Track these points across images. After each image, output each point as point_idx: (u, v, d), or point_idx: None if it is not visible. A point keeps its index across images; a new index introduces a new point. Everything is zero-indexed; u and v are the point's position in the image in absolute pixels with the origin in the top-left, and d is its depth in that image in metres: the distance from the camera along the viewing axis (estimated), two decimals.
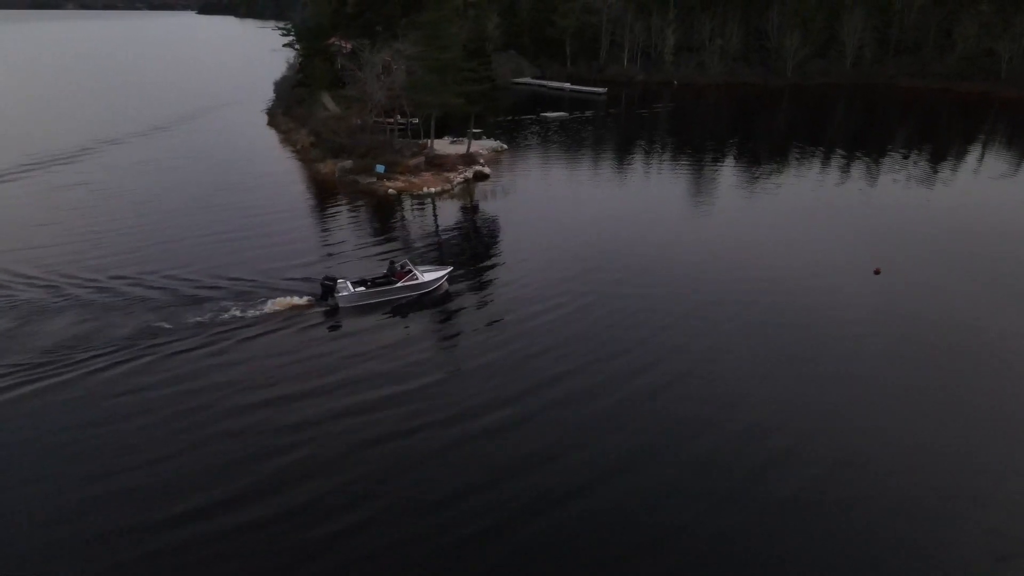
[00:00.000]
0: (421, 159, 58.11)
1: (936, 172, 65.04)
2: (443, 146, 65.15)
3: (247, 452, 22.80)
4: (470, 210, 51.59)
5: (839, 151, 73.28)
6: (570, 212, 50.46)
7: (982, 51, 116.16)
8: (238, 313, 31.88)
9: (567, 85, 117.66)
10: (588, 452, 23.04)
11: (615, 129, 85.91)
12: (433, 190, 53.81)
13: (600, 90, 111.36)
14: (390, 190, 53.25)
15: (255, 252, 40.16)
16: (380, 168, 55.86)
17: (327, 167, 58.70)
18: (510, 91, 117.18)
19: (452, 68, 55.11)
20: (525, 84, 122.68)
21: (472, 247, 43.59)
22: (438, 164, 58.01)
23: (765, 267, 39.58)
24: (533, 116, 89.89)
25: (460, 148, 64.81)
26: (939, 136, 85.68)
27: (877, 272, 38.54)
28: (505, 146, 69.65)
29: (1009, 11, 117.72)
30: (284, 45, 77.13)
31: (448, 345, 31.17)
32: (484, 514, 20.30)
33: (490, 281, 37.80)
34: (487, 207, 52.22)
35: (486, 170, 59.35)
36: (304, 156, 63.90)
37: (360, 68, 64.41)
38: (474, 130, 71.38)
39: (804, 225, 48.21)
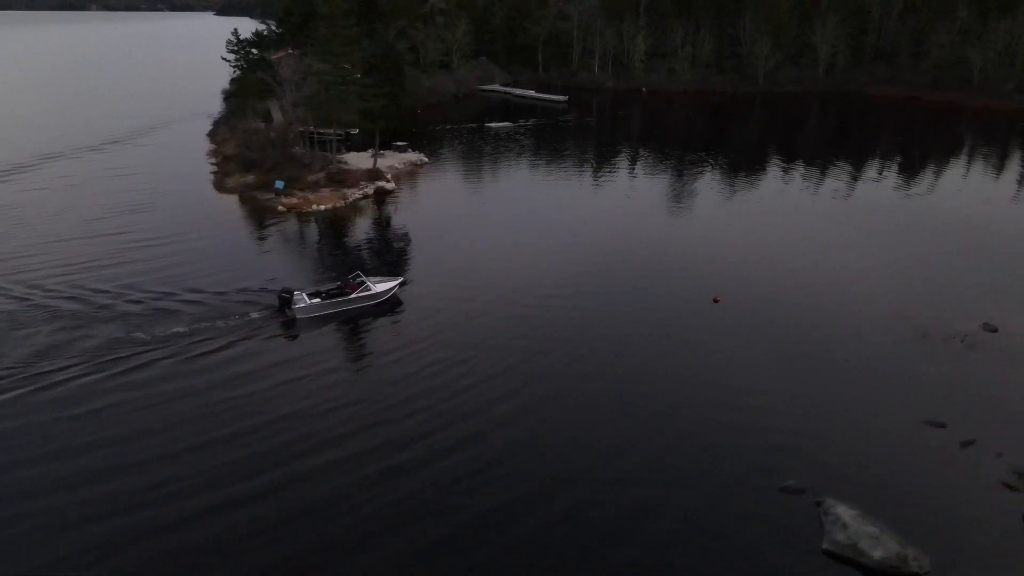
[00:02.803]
0: (322, 174, 58.39)
1: (897, 182, 65.48)
2: (363, 160, 65.30)
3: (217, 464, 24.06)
4: (355, 227, 51.74)
5: (796, 160, 73.56)
6: (466, 227, 50.91)
7: (956, 59, 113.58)
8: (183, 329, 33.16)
9: (531, 92, 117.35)
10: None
11: (560, 139, 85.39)
12: (323, 207, 54.03)
13: (561, 98, 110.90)
14: (280, 207, 53.55)
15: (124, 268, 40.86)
16: (279, 184, 56.17)
17: (232, 182, 59.22)
18: (476, 98, 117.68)
19: (347, 84, 55.31)
20: (492, 91, 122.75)
21: (348, 264, 43.15)
22: (339, 180, 58.22)
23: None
24: (476, 125, 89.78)
25: (384, 161, 65.13)
26: (892, 146, 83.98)
27: (716, 301, 37.98)
28: (426, 159, 69.70)
29: (992, 15, 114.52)
30: (222, 57, 77.63)
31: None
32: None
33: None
34: (375, 224, 52.54)
35: (389, 186, 59.46)
36: (221, 170, 64.38)
37: (276, 80, 65.05)
38: (399, 143, 71.87)
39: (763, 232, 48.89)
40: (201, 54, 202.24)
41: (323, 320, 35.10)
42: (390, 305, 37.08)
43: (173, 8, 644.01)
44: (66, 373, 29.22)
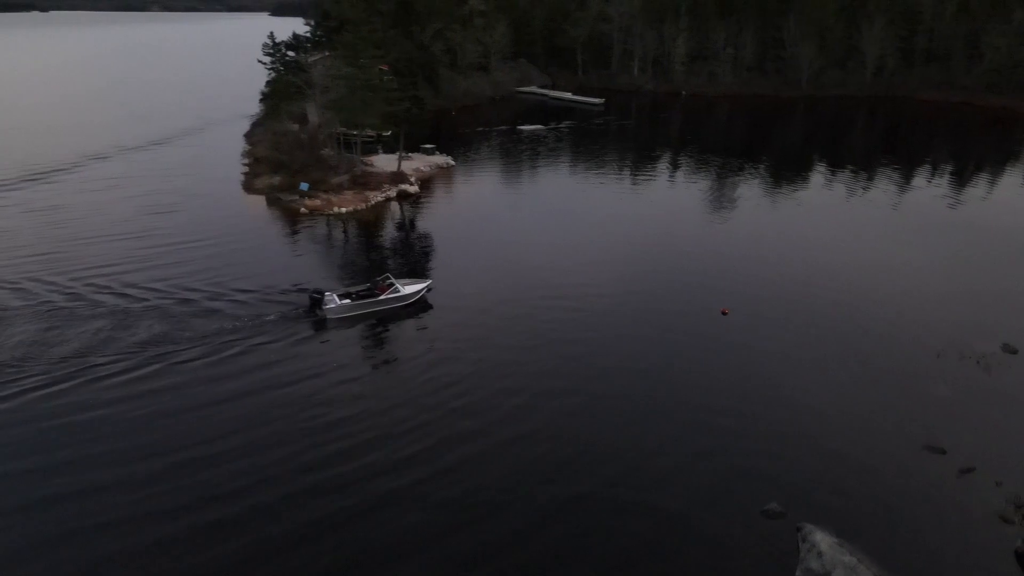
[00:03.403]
0: (346, 177, 59.23)
1: (944, 191, 63.43)
2: (391, 162, 66.00)
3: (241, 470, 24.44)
4: (378, 230, 52.33)
5: (838, 167, 72.20)
6: (489, 230, 51.23)
7: (1012, 63, 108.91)
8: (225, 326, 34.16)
9: (567, 94, 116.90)
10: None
11: (593, 142, 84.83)
12: (344, 210, 54.78)
13: (597, 101, 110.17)
14: (303, 209, 54.49)
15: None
16: (304, 186, 57.18)
17: (260, 183, 60.48)
18: (513, 100, 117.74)
19: (371, 88, 56.03)
20: (529, 93, 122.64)
21: (369, 266, 44.11)
22: (363, 183, 58.97)
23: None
24: (507, 128, 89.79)
25: (411, 163, 65.86)
26: (941, 153, 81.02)
27: (724, 313, 37.28)
28: (452, 162, 70.12)
29: None
30: (258, 60, 79.23)
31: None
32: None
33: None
34: (398, 227, 53.19)
35: (412, 189, 60.00)
36: (252, 171, 65.81)
37: (307, 83, 66.26)
38: (427, 145, 72.44)
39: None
40: (251, 54, 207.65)
41: (353, 321, 35.78)
42: (418, 307, 37.62)
43: (230, 9, 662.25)
44: (96, 372, 29.87)
